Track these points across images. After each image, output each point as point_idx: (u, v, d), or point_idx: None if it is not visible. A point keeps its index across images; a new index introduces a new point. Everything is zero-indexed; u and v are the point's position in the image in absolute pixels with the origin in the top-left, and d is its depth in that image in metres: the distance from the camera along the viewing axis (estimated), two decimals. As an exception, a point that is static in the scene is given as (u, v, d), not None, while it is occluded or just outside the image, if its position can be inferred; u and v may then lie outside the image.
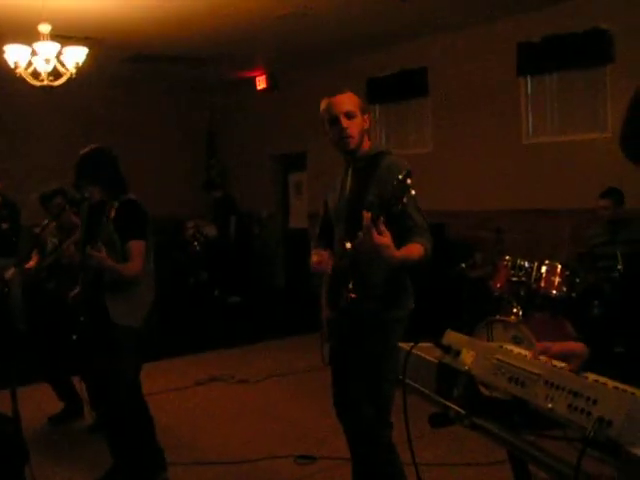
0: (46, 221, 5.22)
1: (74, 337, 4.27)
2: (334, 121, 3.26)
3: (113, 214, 3.84)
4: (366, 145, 3.36)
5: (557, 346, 1.96)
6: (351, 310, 3.17)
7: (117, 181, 4.08)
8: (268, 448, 4.85)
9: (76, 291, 4.29)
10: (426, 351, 2.24)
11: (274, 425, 5.39)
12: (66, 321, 5.02)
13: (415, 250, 3.04)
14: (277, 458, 4.67)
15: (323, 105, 3.33)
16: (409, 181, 2.74)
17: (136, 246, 3.94)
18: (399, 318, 3.29)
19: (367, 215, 2.79)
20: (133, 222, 3.99)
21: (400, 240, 3.01)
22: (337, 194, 3.45)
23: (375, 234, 2.78)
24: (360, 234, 2.86)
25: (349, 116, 3.25)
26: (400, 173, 2.82)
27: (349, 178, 3.39)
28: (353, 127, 3.25)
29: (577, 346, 1.99)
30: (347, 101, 3.28)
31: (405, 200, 2.75)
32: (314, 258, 3.41)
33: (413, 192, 2.81)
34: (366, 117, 3.32)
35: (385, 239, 2.81)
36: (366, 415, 3.33)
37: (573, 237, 7.14)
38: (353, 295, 3.09)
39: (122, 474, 4.19)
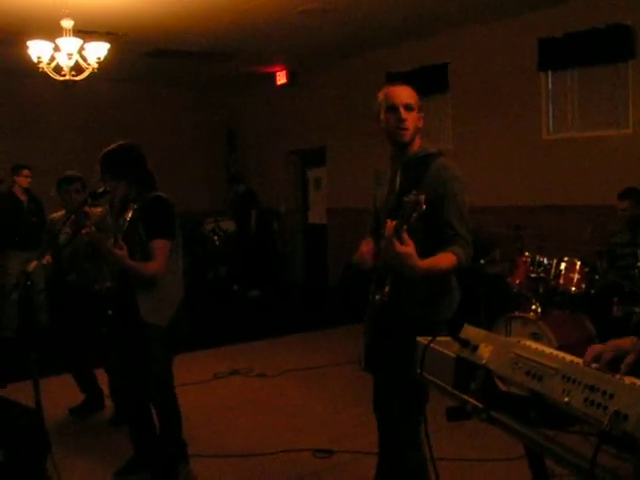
0: (63, 213, 5.29)
1: (104, 330, 4.29)
2: (393, 109, 3.23)
3: (130, 215, 3.87)
4: (417, 144, 3.33)
5: (609, 352, 1.88)
6: (387, 310, 3.14)
7: (143, 178, 4.08)
8: (286, 442, 4.87)
9: (108, 284, 4.31)
10: (444, 345, 2.25)
11: (292, 419, 5.42)
12: (91, 313, 5.09)
13: (444, 260, 3.01)
14: (295, 451, 4.70)
15: (381, 94, 3.30)
16: (422, 198, 2.71)
17: (159, 245, 3.92)
18: (438, 321, 3.19)
19: (390, 224, 2.78)
20: (158, 220, 3.98)
21: (438, 247, 3.02)
22: (385, 190, 3.43)
23: (397, 243, 2.76)
24: (382, 242, 2.86)
25: (408, 108, 3.23)
26: (448, 180, 2.98)
27: (398, 176, 3.35)
28: (410, 120, 3.23)
29: (626, 342, 1.93)
30: (407, 93, 3.27)
31: (413, 217, 2.72)
32: (362, 248, 3.36)
33: (464, 199, 2.95)
34: (421, 115, 3.30)
35: (407, 248, 2.78)
36: (397, 416, 3.30)
37: (593, 234, 7.10)
38: (385, 298, 3.08)
39: (143, 465, 4.24)
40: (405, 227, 2.75)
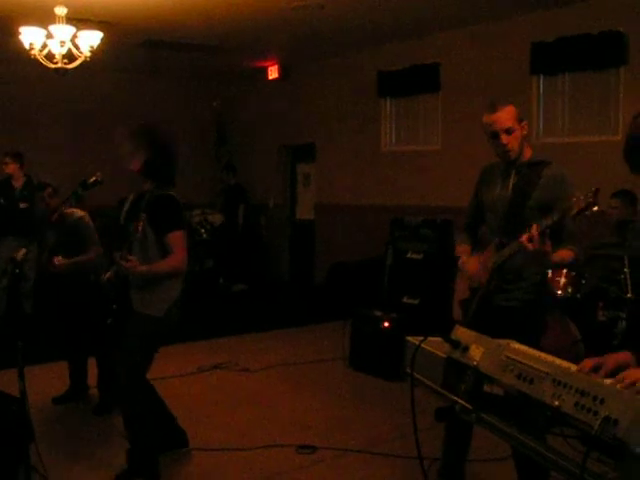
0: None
1: (109, 321, 4.27)
2: (494, 136, 3.48)
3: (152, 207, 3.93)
4: (528, 151, 3.58)
5: (611, 362, 1.91)
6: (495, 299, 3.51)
7: (169, 174, 4.15)
8: (269, 437, 4.87)
9: (108, 275, 4.29)
10: (435, 346, 2.26)
11: (276, 414, 5.42)
12: (89, 302, 5.14)
13: (567, 255, 3.36)
14: (278, 447, 4.69)
15: (485, 120, 3.53)
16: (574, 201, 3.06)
17: (174, 237, 3.94)
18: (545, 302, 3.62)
19: (535, 226, 3.08)
20: (167, 214, 3.99)
21: (556, 244, 3.29)
22: (496, 190, 3.65)
23: (544, 243, 3.10)
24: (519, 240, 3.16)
25: (509, 132, 3.46)
26: (567, 185, 3.35)
27: (511, 179, 3.59)
28: (513, 141, 3.46)
29: (626, 356, 1.97)
30: (506, 117, 3.46)
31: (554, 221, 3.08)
32: (463, 258, 3.75)
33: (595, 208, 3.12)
34: (524, 124, 3.50)
35: (548, 247, 3.13)
36: None
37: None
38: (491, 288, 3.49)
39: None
40: (543, 230, 3.09)
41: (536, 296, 3.50)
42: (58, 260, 5.11)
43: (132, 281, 3.99)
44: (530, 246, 3.09)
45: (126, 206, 4.23)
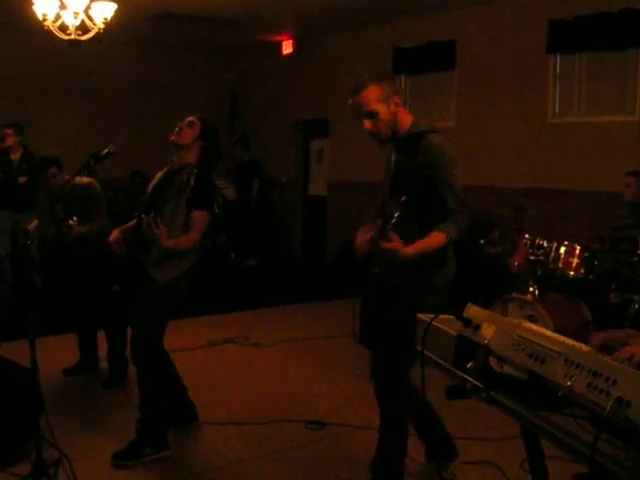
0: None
1: (115, 287, 4.31)
2: (360, 121, 3.34)
3: (192, 183, 3.96)
4: (405, 123, 3.36)
5: (617, 335, 1.91)
6: (384, 281, 3.34)
7: (214, 157, 4.23)
8: (278, 412, 4.89)
9: (116, 234, 4.29)
10: (446, 323, 2.25)
11: (285, 389, 5.44)
12: (96, 276, 5.17)
13: (433, 240, 3.16)
14: (287, 422, 4.71)
15: (348, 104, 3.35)
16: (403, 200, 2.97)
17: (199, 216, 4.00)
18: (432, 286, 3.31)
19: (376, 225, 3.01)
20: (201, 192, 4.03)
21: (433, 226, 3.15)
22: (386, 168, 3.52)
23: (384, 242, 2.97)
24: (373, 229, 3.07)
25: (371, 116, 3.29)
26: (436, 157, 3.13)
27: (393, 155, 3.45)
28: (377, 124, 3.30)
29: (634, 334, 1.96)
30: (365, 101, 3.27)
31: (395, 218, 2.93)
32: (359, 238, 3.50)
33: (452, 172, 3.09)
34: (392, 100, 3.29)
35: (393, 244, 2.99)
36: (382, 372, 3.53)
37: (594, 219, 7.09)
38: (382, 270, 3.28)
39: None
40: (389, 227, 2.95)
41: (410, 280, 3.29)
42: (73, 221, 5.05)
43: (152, 249, 3.99)
44: (383, 244, 2.99)
45: (158, 178, 4.28)
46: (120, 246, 4.18)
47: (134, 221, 4.29)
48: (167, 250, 3.91)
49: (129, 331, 4.39)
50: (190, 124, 4.17)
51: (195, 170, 4.03)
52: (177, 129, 4.15)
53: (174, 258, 4.00)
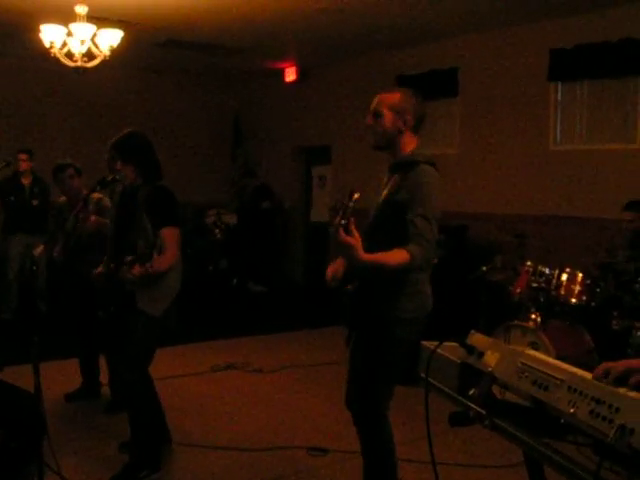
0: (65, 199, 5.34)
1: (100, 314, 4.31)
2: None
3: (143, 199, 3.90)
4: (406, 147, 3.34)
5: (621, 366, 1.90)
6: (356, 303, 3.38)
7: (151, 166, 4.12)
8: (280, 438, 4.88)
9: (100, 270, 4.32)
10: (450, 351, 2.26)
11: (287, 416, 5.43)
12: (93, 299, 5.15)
13: (394, 256, 3.02)
14: (289, 448, 4.71)
15: None
16: (351, 204, 2.89)
17: (169, 233, 3.93)
18: (403, 318, 3.27)
19: (338, 217, 2.90)
20: (164, 209, 4.00)
21: (399, 245, 3.05)
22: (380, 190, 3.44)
23: (342, 233, 2.86)
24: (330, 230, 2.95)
25: (376, 115, 3.31)
26: (420, 184, 3.08)
27: (385, 179, 3.43)
28: (375, 126, 3.32)
29: (638, 362, 1.95)
30: (381, 101, 3.33)
31: (350, 207, 2.90)
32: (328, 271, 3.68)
33: (432, 203, 3.06)
34: (404, 118, 3.30)
35: (351, 239, 2.87)
36: (360, 398, 3.52)
37: (596, 247, 7.10)
38: (353, 289, 3.36)
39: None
40: (348, 221, 2.88)
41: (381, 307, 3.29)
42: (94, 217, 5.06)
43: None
44: (341, 237, 2.87)
45: (115, 201, 4.27)
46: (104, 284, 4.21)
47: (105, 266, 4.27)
48: (154, 277, 3.88)
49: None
50: (112, 158, 4.11)
51: (145, 188, 3.99)
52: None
53: (163, 287, 3.99)
